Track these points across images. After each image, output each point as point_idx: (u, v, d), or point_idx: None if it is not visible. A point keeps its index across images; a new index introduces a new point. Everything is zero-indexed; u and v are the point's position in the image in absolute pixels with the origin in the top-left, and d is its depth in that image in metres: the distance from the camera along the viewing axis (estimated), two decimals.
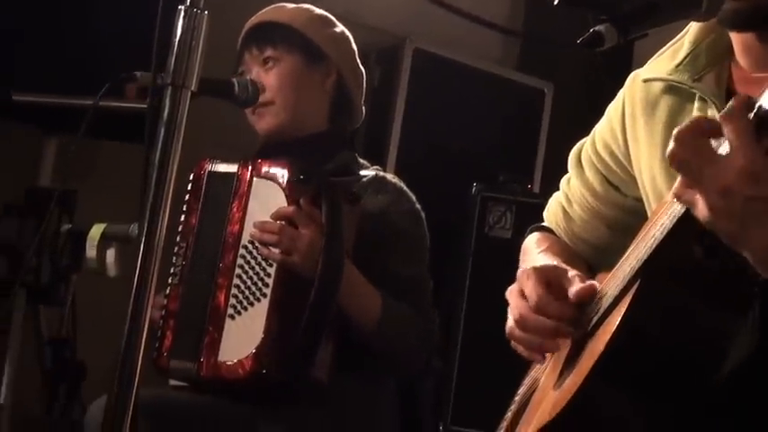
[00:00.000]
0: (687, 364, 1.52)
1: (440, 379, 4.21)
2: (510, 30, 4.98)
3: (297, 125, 2.87)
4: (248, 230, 2.67)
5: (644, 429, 1.56)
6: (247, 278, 2.65)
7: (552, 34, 4.68)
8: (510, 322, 1.82)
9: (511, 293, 1.84)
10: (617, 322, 1.53)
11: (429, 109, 4.80)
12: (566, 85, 5.13)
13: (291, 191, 2.64)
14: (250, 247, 2.66)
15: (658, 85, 1.86)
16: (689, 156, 1.35)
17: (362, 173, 2.85)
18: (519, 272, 1.85)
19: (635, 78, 1.94)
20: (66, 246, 2.93)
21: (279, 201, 2.65)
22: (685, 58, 1.81)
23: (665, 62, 1.86)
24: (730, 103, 1.33)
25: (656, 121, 1.85)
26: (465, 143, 4.87)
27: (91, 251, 2.44)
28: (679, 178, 1.38)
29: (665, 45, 1.89)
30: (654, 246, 1.51)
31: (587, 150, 2.07)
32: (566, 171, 2.16)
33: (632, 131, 1.92)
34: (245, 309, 2.63)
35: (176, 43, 1.66)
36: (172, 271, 2.73)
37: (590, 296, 1.74)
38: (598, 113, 2.06)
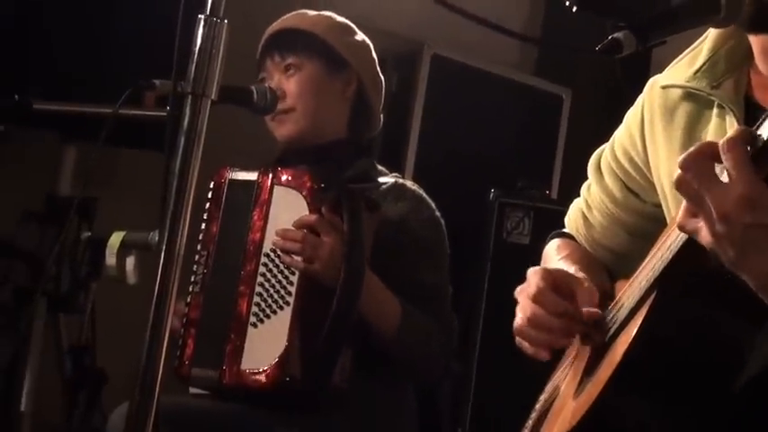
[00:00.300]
0: (704, 375, 1.52)
1: (459, 384, 4.21)
2: (528, 37, 4.98)
3: (317, 132, 2.87)
4: (270, 238, 2.66)
5: None
6: (269, 286, 2.65)
7: (571, 40, 4.67)
8: (517, 319, 1.84)
9: (519, 292, 1.86)
10: (634, 333, 1.53)
11: (447, 114, 4.79)
12: (584, 90, 5.13)
13: (313, 199, 2.64)
14: (272, 255, 2.66)
15: (677, 92, 1.86)
16: (692, 180, 1.38)
17: (381, 179, 2.85)
18: (529, 271, 1.87)
19: (653, 85, 1.94)
20: (86, 254, 2.94)
21: (300, 209, 2.65)
22: (704, 64, 1.81)
23: (683, 69, 1.86)
24: (729, 133, 1.37)
25: (675, 127, 1.85)
26: (483, 149, 4.87)
27: (110, 259, 2.44)
28: (683, 206, 1.42)
29: (683, 51, 1.89)
30: (670, 257, 1.52)
31: (607, 157, 2.08)
32: (584, 177, 2.16)
33: (651, 138, 1.92)
34: (268, 317, 2.63)
35: (196, 52, 1.67)
36: (192, 279, 2.73)
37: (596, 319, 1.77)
38: (616, 119, 2.06)
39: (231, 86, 1.99)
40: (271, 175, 2.71)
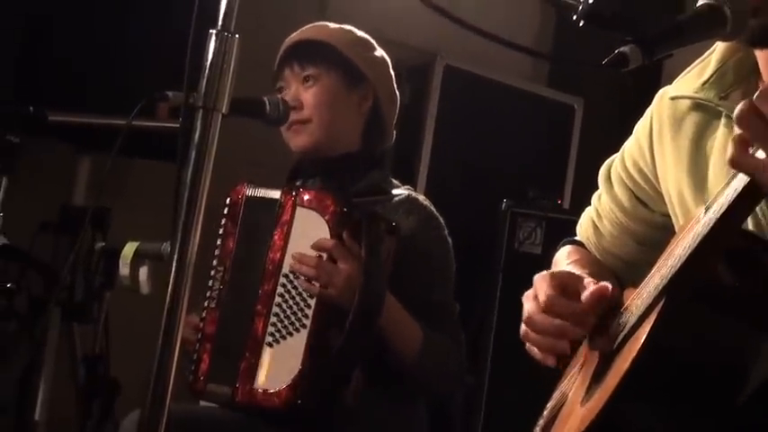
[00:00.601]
0: (711, 383, 1.52)
1: (470, 394, 4.21)
2: (536, 52, 4.99)
3: (331, 144, 2.88)
4: (289, 260, 2.66)
5: None
6: (287, 307, 2.64)
7: (582, 50, 4.68)
8: (523, 325, 1.85)
9: (526, 297, 1.86)
10: (642, 340, 1.54)
11: (459, 125, 4.80)
12: (596, 100, 5.13)
13: (334, 223, 2.63)
14: (291, 276, 2.65)
15: (685, 103, 1.87)
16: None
17: (394, 192, 2.86)
18: (535, 276, 1.88)
19: (663, 96, 1.95)
20: (100, 264, 2.95)
21: (321, 231, 2.64)
22: (712, 76, 1.82)
23: (692, 80, 1.87)
24: None
25: (683, 137, 1.86)
26: (495, 159, 4.87)
27: (124, 269, 2.46)
28: (736, 142, 1.36)
29: (694, 61, 1.90)
30: (678, 265, 1.52)
31: (616, 167, 2.09)
32: (596, 186, 2.18)
33: (659, 148, 1.93)
34: (284, 338, 2.63)
35: (207, 66, 1.68)
36: (208, 294, 2.73)
37: (602, 297, 1.74)
38: (628, 129, 2.07)
39: (243, 98, 2.00)
40: (294, 195, 2.70)
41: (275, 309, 2.65)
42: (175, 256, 1.66)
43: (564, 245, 2.24)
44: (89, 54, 3.32)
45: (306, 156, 2.91)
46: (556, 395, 2.02)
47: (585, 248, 2.19)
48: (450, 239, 2.86)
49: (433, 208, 2.87)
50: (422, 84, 4.77)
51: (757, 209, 1.62)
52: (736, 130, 1.36)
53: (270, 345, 2.64)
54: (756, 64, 1.77)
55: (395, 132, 3.00)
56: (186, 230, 1.66)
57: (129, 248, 2.47)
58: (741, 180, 1.42)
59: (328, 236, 2.63)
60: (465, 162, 4.81)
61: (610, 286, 1.76)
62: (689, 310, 1.54)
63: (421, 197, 2.91)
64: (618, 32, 1.48)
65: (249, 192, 2.77)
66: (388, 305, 2.62)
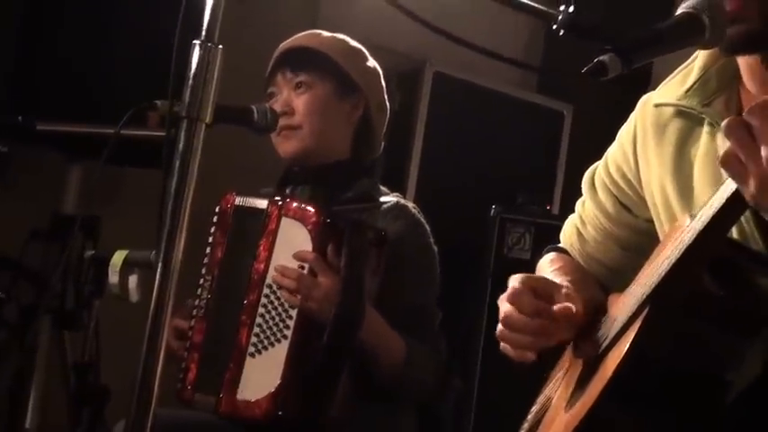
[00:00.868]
0: (695, 390, 1.53)
1: (460, 398, 4.21)
2: (522, 63, 4.99)
3: (320, 152, 2.88)
4: (273, 270, 2.65)
5: None
6: (269, 318, 2.64)
7: (573, 56, 4.69)
8: (500, 325, 1.86)
9: (501, 299, 1.88)
10: (626, 348, 1.55)
11: (449, 131, 4.80)
12: (585, 106, 5.13)
13: (317, 233, 2.63)
14: (274, 287, 2.65)
15: (669, 110, 1.89)
16: (757, 122, 1.36)
17: (383, 199, 2.85)
18: (510, 278, 1.89)
19: (646, 102, 1.97)
20: (90, 271, 2.95)
21: (304, 242, 2.63)
22: (695, 83, 1.83)
23: (675, 87, 1.88)
24: None
25: (666, 144, 1.87)
26: (485, 165, 4.87)
27: (113, 277, 2.46)
28: (727, 148, 1.39)
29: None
30: (662, 274, 1.53)
31: (600, 173, 2.10)
32: None
33: (643, 154, 1.94)
34: (266, 348, 2.62)
35: (191, 76, 1.69)
36: (197, 303, 2.74)
37: (566, 316, 1.77)
38: (617, 135, 2.09)
39: (230, 106, 2.01)
40: (280, 205, 2.69)
41: (258, 319, 2.64)
42: (160, 264, 1.67)
43: (548, 252, 2.25)
44: (79, 63, 3.32)
45: (295, 162, 2.91)
46: (540, 399, 2.03)
47: (569, 255, 2.20)
48: (435, 248, 2.85)
49: (421, 216, 2.86)
50: (411, 90, 4.76)
51: (742, 218, 1.64)
52: (725, 142, 1.38)
53: (252, 355, 2.63)
54: (738, 70, 1.78)
55: (383, 144, 3.00)
56: (171, 238, 1.68)
57: (119, 257, 2.47)
58: (726, 189, 1.43)
59: (311, 246, 2.62)
60: (455, 168, 4.80)
61: (574, 309, 1.78)
62: (673, 318, 1.55)
63: (410, 204, 2.90)
64: (597, 42, 1.49)
65: (238, 201, 2.77)
66: (370, 318, 2.61)
